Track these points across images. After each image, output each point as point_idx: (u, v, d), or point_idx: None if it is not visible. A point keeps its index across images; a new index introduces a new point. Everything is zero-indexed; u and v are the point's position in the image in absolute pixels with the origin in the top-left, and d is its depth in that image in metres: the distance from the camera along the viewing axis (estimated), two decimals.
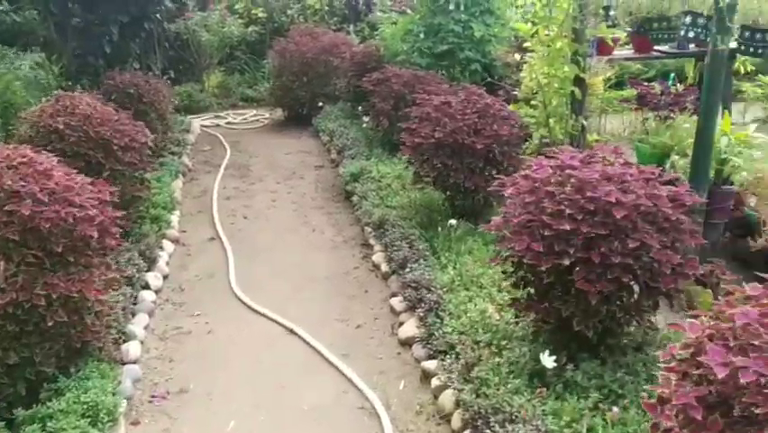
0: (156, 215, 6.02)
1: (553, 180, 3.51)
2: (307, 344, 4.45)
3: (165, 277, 5.39)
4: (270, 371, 4.17)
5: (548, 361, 3.32)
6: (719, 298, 4.27)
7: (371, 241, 5.86)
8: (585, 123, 5.95)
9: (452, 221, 5.13)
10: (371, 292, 5.15)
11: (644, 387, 3.32)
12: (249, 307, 4.95)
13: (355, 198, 6.66)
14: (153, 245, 5.48)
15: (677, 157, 5.63)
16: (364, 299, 5.07)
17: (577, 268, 3.27)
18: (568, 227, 3.24)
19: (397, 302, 4.78)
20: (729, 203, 4.78)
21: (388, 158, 7.31)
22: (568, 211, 3.28)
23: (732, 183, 4.79)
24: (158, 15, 9.19)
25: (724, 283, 4.40)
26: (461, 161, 5.31)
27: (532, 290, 3.63)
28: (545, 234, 3.31)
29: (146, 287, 5.06)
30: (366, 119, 8.14)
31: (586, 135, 6.07)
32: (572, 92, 5.82)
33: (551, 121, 5.96)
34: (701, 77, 7.40)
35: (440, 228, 5.29)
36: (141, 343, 4.41)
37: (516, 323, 3.93)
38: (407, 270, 4.84)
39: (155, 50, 9.94)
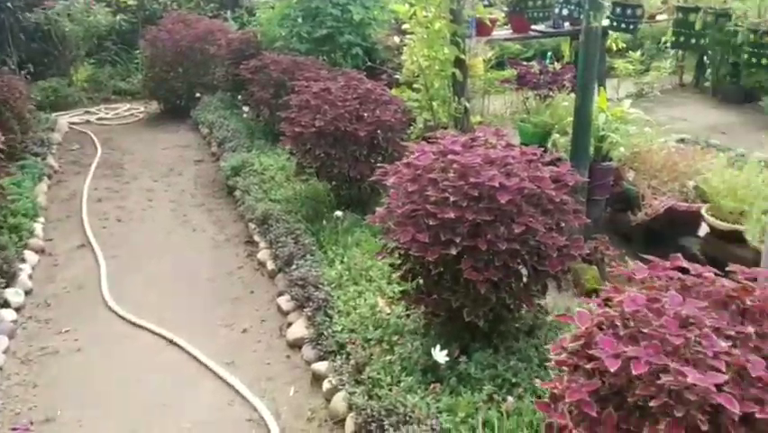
0: (15, 223, 5.48)
1: (435, 167, 3.37)
2: (189, 354, 4.14)
3: (28, 292, 4.89)
4: (149, 389, 3.84)
5: (440, 356, 3.19)
6: (605, 275, 4.35)
7: (256, 237, 5.58)
8: (468, 104, 5.90)
9: (338, 213, 4.93)
10: (257, 293, 4.88)
11: (538, 373, 3.27)
12: (124, 319, 4.56)
13: (237, 193, 6.33)
14: (12, 258, 4.96)
15: (557, 135, 5.68)
16: (250, 300, 4.79)
17: (464, 257, 3.15)
18: (453, 215, 3.11)
19: (284, 302, 4.54)
20: (609, 179, 4.84)
21: (270, 149, 7.01)
22: (452, 198, 3.15)
23: (611, 159, 4.84)
24: (9, 5, 8.40)
25: (608, 259, 4.45)
26: (344, 150, 5.11)
27: (421, 282, 3.49)
28: (430, 223, 3.16)
29: (5, 305, 4.57)
30: (246, 109, 7.79)
31: (469, 117, 6.03)
32: (453, 74, 5.75)
33: (434, 104, 5.87)
34: (577, 55, 7.55)
35: (326, 221, 5.08)
36: (0, 369, 3.97)
37: (408, 316, 3.80)
38: (294, 267, 4.61)
39: (9, 43, 9.11)
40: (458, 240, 3.13)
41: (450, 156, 3.34)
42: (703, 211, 4.47)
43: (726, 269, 2.26)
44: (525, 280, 3.33)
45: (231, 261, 5.40)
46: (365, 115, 5.10)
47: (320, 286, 4.25)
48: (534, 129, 6.13)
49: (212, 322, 4.50)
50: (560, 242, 3.24)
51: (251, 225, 5.73)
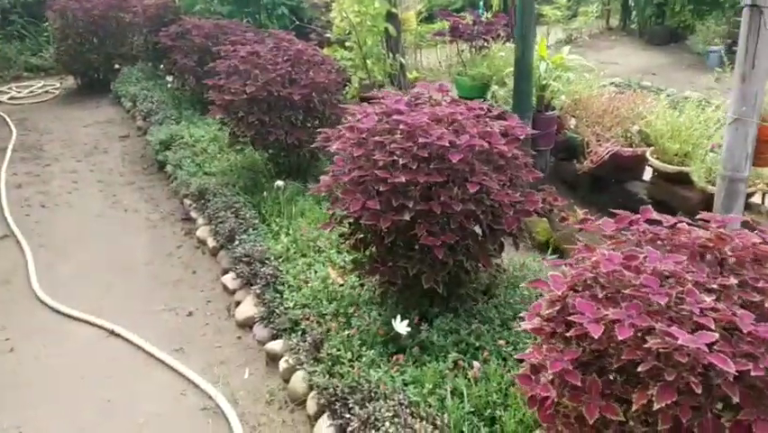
0: None
1: (380, 129, 3.19)
2: (133, 345, 3.90)
3: None
4: (94, 385, 3.60)
5: (401, 327, 3.06)
6: (555, 225, 4.29)
7: (193, 214, 5.31)
8: (404, 60, 5.71)
9: (279, 182, 4.71)
10: (200, 272, 4.65)
11: (501, 334, 3.19)
12: (58, 312, 4.27)
13: (169, 168, 6.02)
14: None
15: (496, 87, 5.57)
16: (193, 281, 4.56)
17: (418, 222, 3.01)
18: (404, 179, 2.95)
19: (229, 280, 4.33)
20: (553, 129, 4.76)
21: (200, 119, 6.69)
22: (401, 161, 2.99)
23: (553, 108, 4.76)
24: None
25: (557, 210, 4.39)
26: (279, 116, 4.87)
27: (373, 250, 3.34)
28: (380, 189, 3.00)
29: None
30: (170, 79, 7.39)
31: (406, 74, 5.84)
32: (386, 29, 5.54)
33: (368, 62, 5.66)
34: (506, 3, 7.43)
35: (266, 192, 4.86)
36: None
37: (362, 286, 3.66)
38: (237, 243, 4.39)
39: None
40: (411, 204, 2.98)
41: (395, 117, 3.17)
42: (648, 155, 4.44)
43: (698, 217, 2.18)
44: (480, 240, 3.22)
45: (168, 241, 5.13)
46: (299, 77, 4.85)
47: (266, 261, 4.06)
48: (471, 82, 6.01)
49: (154, 308, 4.26)
50: (514, 198, 3.13)
51: (187, 202, 5.45)
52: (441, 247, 3.00)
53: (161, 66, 7.96)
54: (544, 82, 4.61)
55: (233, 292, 4.27)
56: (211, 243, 4.82)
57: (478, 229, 3.19)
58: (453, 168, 3.03)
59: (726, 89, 7.94)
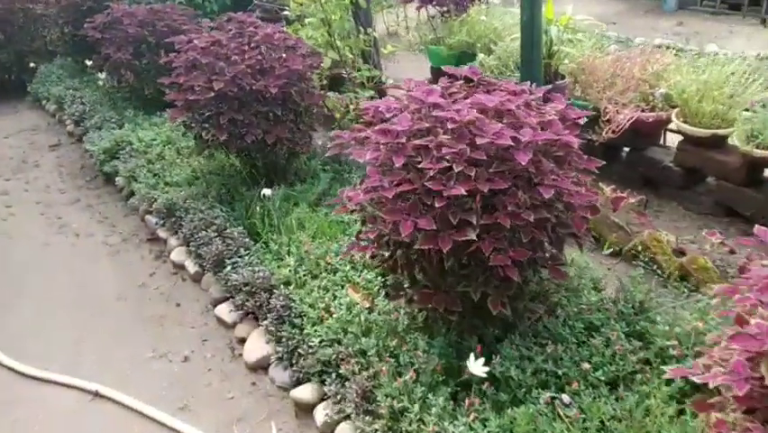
0: None
1: (418, 129, 2.62)
2: (125, 407, 3.26)
3: None
4: None
5: (478, 368, 2.54)
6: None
7: (161, 233, 4.62)
8: (376, 34, 5.11)
9: (267, 191, 4.08)
10: (185, 304, 4.01)
11: (580, 355, 2.73)
12: (23, 374, 3.56)
13: (120, 181, 5.27)
14: None
15: (483, 55, 5.05)
16: (178, 316, 3.92)
17: (482, 237, 2.48)
18: (464, 190, 2.42)
19: (225, 312, 3.72)
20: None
21: (145, 119, 5.91)
22: (456, 168, 2.45)
23: (563, 76, 4.28)
24: None
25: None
26: (254, 113, 4.22)
27: (419, 275, 2.79)
28: (435, 205, 2.46)
29: None
30: (102, 76, 6.52)
31: (379, 49, 5.24)
32: (355, 0, 4.92)
33: (337, 40, 5.02)
34: None
35: (248, 202, 4.22)
36: None
37: (397, 309, 3.12)
38: (228, 267, 3.76)
39: None
40: (474, 220, 2.45)
41: (436, 112, 2.60)
42: (674, 118, 4.03)
43: None
44: (549, 249, 2.73)
45: (137, 268, 4.44)
46: (272, 66, 4.19)
47: (273, 290, 3.46)
48: (449, 51, 5.47)
49: (141, 355, 3.61)
50: (588, 196, 2.65)
51: (152, 219, 4.74)
52: (513, 267, 2.49)
53: (88, 61, 7.05)
54: (555, 48, 4.12)
55: (231, 326, 3.67)
56: (191, 267, 4.17)
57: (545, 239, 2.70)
58: (515, 169, 2.51)
59: (693, 33, 7.72)
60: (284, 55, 4.26)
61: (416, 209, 2.51)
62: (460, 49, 5.32)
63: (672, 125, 4.21)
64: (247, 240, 3.91)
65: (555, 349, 2.74)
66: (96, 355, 3.63)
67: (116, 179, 5.35)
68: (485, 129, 2.50)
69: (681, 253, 3.65)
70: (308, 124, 4.53)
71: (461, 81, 2.99)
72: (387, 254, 2.81)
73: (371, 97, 5.15)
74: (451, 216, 2.46)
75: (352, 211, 2.90)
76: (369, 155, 2.58)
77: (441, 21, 5.72)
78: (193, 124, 4.36)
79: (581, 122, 2.79)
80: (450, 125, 2.52)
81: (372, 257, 2.93)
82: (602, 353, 2.74)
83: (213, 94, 4.08)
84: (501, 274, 2.56)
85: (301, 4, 5.25)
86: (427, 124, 2.61)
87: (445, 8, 5.60)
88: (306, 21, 5.29)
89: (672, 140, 4.43)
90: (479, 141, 2.45)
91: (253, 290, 3.50)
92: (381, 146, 2.63)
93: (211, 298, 3.91)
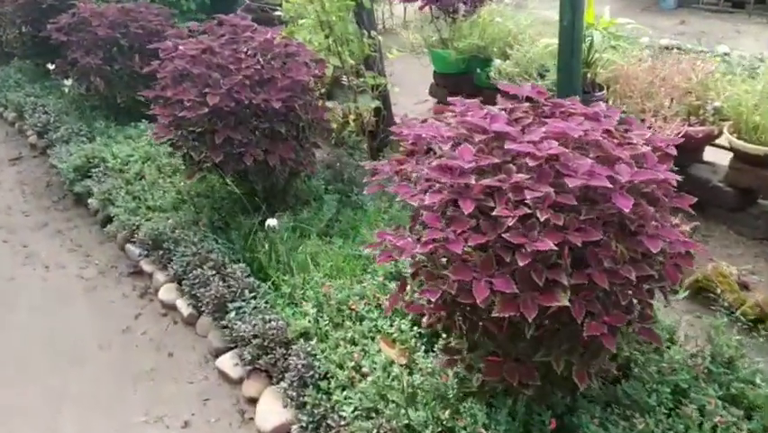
0: None
1: (484, 164, 2.15)
2: None
3: None
4: None
5: None
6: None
7: (146, 267, 4.06)
8: (380, 38, 4.61)
9: (272, 221, 3.55)
10: (178, 354, 3.47)
11: (675, 428, 2.29)
12: None
13: (94, 203, 4.69)
14: None
15: (499, 61, 4.59)
16: (172, 368, 3.38)
17: (572, 300, 2.02)
18: (552, 244, 1.95)
19: (229, 365, 3.20)
20: None
21: (119, 131, 5.32)
22: (542, 216, 1.98)
23: (601, 88, 3.84)
24: None
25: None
26: (252, 130, 3.69)
27: (481, 338, 2.32)
28: (514, 261, 1.98)
29: None
30: (68, 82, 5.88)
31: (383, 54, 4.74)
32: (359, 2, 4.41)
33: (339, 44, 4.51)
34: None
35: (249, 231, 3.70)
36: None
37: (444, 370, 2.64)
38: (232, 313, 3.24)
39: None
40: (564, 279, 1.99)
41: (510, 145, 2.13)
42: (727, 133, 3.63)
43: None
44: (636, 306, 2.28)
45: (120, 308, 3.87)
46: (273, 77, 3.67)
47: (290, 344, 2.95)
48: (457, 56, 4.99)
49: (132, 419, 3.07)
50: (692, 245, 2.20)
51: (133, 249, 4.18)
52: (610, 336, 2.04)
53: (50, 65, 6.39)
54: (596, 55, 3.67)
55: (237, 382, 3.15)
56: (184, 309, 3.63)
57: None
58: (606, 214, 2.06)
59: (698, 32, 7.39)
60: (286, 63, 3.74)
61: (489, 267, 2.04)
62: (470, 53, 4.86)
63: (720, 141, 3.81)
64: (251, 280, 3.38)
65: (645, 422, 2.29)
66: (79, 420, 3.08)
67: (89, 200, 4.75)
68: (573, 167, 2.04)
69: (745, 287, 3.25)
70: (312, 141, 4.02)
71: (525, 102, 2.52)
72: (443, 314, 2.33)
73: (377, 108, 4.67)
74: (535, 275, 1.99)
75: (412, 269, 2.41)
76: (429, 199, 2.09)
77: (446, 22, 5.24)
78: (181, 143, 3.81)
79: (672, 151, 2.35)
80: (529, 162, 2.05)
81: (421, 315, 2.45)
82: (699, 425, 2.31)
83: (207, 110, 3.54)
84: (586, 338, 2.10)
85: (295, 4, 4.72)
86: (497, 160, 2.14)
87: (452, 8, 5.12)
88: (301, 22, 4.75)
89: (712, 156, 4.04)
90: (569, 182, 1.98)
91: (266, 343, 2.99)
92: (439, 185, 2.15)
93: (210, 346, 3.39)
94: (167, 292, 3.79)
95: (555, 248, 1.95)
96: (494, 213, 2.02)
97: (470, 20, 4.96)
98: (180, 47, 3.86)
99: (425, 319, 2.41)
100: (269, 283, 3.33)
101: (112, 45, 5.35)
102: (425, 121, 2.58)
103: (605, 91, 3.85)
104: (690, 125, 3.69)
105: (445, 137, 2.30)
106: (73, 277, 4.22)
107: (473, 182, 2.07)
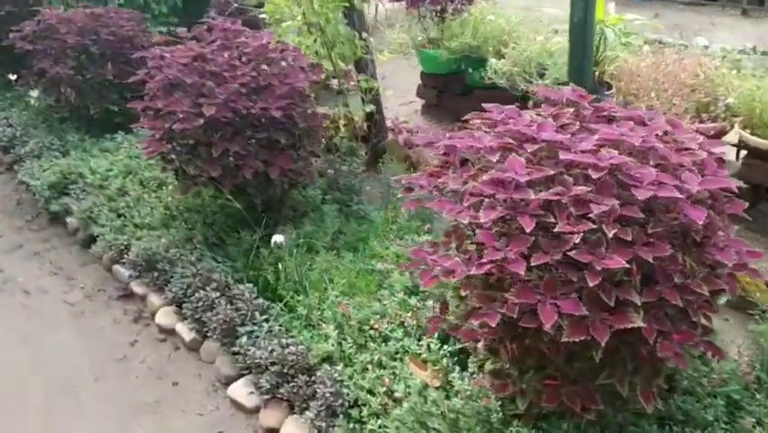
0: None
1: (539, 177, 2.00)
2: None
3: None
4: None
5: None
6: None
7: (137, 289, 3.81)
8: (372, 39, 4.45)
9: (278, 237, 3.35)
10: (184, 382, 3.25)
11: None
12: None
13: (74, 222, 4.41)
14: None
15: (494, 60, 4.47)
16: (179, 398, 3.16)
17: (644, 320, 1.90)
18: (623, 261, 1.82)
19: (242, 394, 3.00)
20: None
21: (93, 144, 5.03)
22: (609, 231, 1.85)
23: (610, 87, 3.75)
24: None
25: None
26: (249, 140, 3.49)
27: (539, 361, 2.18)
28: (583, 281, 1.85)
29: None
30: (35, 94, 5.55)
31: (374, 55, 4.57)
32: (350, 2, 4.24)
33: (330, 49, 4.33)
34: None
35: (250, 247, 3.50)
36: None
37: (485, 393, 2.49)
38: (244, 338, 3.04)
39: None
40: (635, 299, 1.86)
41: (565, 155, 1.99)
42: (739, 130, 3.57)
43: None
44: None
45: (113, 335, 3.62)
46: (271, 84, 3.47)
47: (314, 369, 2.77)
48: (448, 56, 4.85)
49: None
50: (749, 253, 2.10)
51: (122, 271, 3.93)
52: (682, 356, 1.92)
53: (12, 76, 6.04)
54: (608, 53, 3.57)
55: (253, 411, 2.95)
56: (186, 334, 3.40)
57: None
58: (671, 226, 1.94)
59: (673, 25, 7.38)
60: (284, 68, 3.55)
61: (553, 288, 1.90)
62: (462, 52, 4.72)
63: (728, 137, 3.75)
64: (260, 301, 3.18)
65: None
66: None
67: (67, 219, 4.47)
68: (638, 177, 1.91)
69: None
70: (309, 150, 3.83)
71: (562, 106, 2.38)
72: (492, 338, 2.19)
73: (370, 113, 4.50)
74: (604, 294, 1.85)
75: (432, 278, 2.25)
76: (484, 216, 1.93)
77: (433, 21, 5.09)
78: (173, 157, 3.59)
79: (724, 156, 2.24)
80: (592, 173, 1.91)
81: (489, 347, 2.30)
82: None
83: (202, 121, 3.32)
84: (645, 355, 1.99)
85: (279, 6, 4.51)
86: (551, 171, 2.00)
87: (439, 6, 4.97)
88: (285, 25, 4.55)
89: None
90: (638, 194, 1.85)
91: (286, 370, 2.80)
92: (490, 201, 2.00)
93: (219, 374, 3.18)
94: (164, 316, 3.56)
95: (626, 265, 1.82)
96: (556, 229, 1.88)
97: (459, 19, 4.83)
98: (167, 55, 3.63)
99: (480, 345, 2.26)
100: (282, 304, 3.13)
101: (81, 53, 5.06)
102: (460, 128, 2.43)
103: (613, 90, 3.76)
104: (701, 122, 3.62)
105: (489, 147, 2.15)
106: (57, 302, 3.95)
107: (532, 197, 1.92)
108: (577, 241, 1.85)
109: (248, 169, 3.45)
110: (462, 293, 2.02)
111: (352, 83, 4.56)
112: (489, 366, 2.38)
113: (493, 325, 1.93)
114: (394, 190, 4.03)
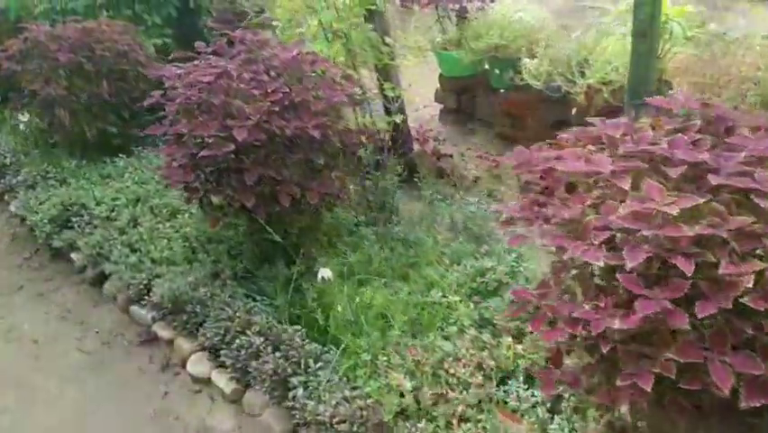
0: None
1: (685, 209, 1.68)
2: None
3: None
4: None
5: None
6: None
7: (162, 333, 3.44)
8: (397, 44, 4.12)
9: (325, 272, 2.98)
10: None
11: None
12: None
13: (80, 259, 4.02)
14: None
15: (527, 60, 4.16)
16: None
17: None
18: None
19: None
20: None
21: (95, 170, 4.63)
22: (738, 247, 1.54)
23: (671, 85, 3.45)
24: None
25: None
26: (283, 163, 3.15)
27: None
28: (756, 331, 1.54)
29: None
30: (24, 117, 5.12)
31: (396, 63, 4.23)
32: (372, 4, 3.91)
33: (354, 57, 3.98)
34: None
35: (287, 282, 3.14)
36: None
37: None
38: (299, 390, 2.69)
39: None
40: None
41: (717, 179, 1.67)
42: None
43: None
44: None
45: (140, 387, 3.25)
46: (305, 100, 3.13)
47: (389, 427, 2.43)
48: (472, 57, 4.53)
49: None
50: None
51: (142, 313, 3.55)
52: None
53: None
54: (674, 50, 3.27)
55: None
56: (225, 384, 3.04)
57: None
58: None
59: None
60: (317, 82, 3.20)
61: (723, 342, 1.59)
62: (487, 53, 4.41)
63: None
64: (310, 347, 2.82)
65: None
66: None
67: (72, 255, 4.08)
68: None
69: None
70: (344, 171, 3.50)
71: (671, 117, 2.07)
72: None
73: (395, 124, 4.15)
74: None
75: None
76: (631, 260, 1.61)
77: (451, 21, 4.77)
78: (198, 186, 3.22)
79: None
80: (760, 202, 1.60)
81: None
82: None
83: (233, 147, 2.96)
84: None
85: (290, 11, 4.16)
86: (700, 199, 1.68)
87: (458, 5, 4.64)
88: (298, 31, 4.19)
89: None
90: None
91: (356, 428, 2.46)
92: (633, 238, 1.68)
93: (269, 429, 2.82)
94: (196, 364, 3.19)
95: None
96: (721, 271, 1.57)
97: (482, 19, 4.50)
98: (202, 75, 3.23)
99: (624, 408, 1.94)
100: (343, 352, 2.77)
101: (74, 71, 4.66)
102: (550, 144, 2.11)
103: (677, 89, 3.47)
104: None
105: (616, 172, 1.82)
106: (71, 351, 3.57)
107: (687, 233, 1.60)
108: (750, 285, 1.54)
109: (284, 195, 3.09)
110: (603, 349, 1.70)
111: (374, 91, 4.22)
112: (605, 421, 2.06)
113: (648, 388, 1.61)
114: (438, 208, 3.71)
